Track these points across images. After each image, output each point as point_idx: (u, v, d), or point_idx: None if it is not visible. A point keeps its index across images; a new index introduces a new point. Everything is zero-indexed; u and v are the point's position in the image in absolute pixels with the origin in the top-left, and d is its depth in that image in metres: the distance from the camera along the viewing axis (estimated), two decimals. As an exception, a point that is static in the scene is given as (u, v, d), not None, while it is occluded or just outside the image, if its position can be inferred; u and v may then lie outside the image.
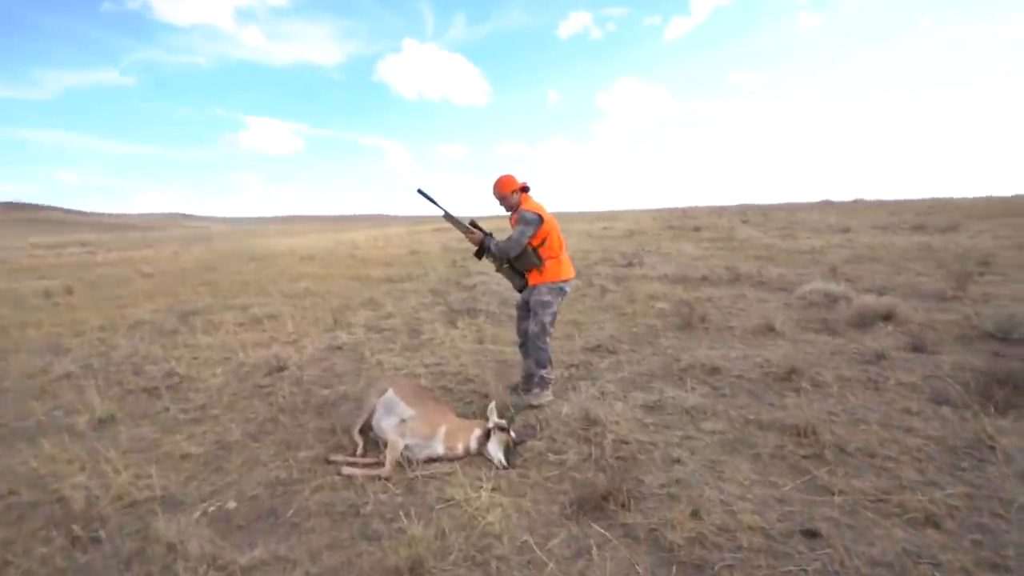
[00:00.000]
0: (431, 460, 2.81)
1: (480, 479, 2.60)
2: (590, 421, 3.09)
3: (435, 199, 3.76)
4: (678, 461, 2.70)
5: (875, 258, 9.05)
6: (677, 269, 9.09)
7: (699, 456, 2.74)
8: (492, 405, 3.01)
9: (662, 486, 2.46)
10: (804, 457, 2.68)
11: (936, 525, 2.09)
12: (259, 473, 2.80)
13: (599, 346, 4.94)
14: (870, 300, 5.18)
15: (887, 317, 4.95)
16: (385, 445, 2.91)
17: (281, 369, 4.57)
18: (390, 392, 3.14)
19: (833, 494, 2.34)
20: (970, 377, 3.49)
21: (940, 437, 2.78)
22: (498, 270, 3.75)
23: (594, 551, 2.06)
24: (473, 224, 3.76)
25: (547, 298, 3.48)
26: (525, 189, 3.61)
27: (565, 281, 3.54)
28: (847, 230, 14.09)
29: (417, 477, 2.64)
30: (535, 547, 2.08)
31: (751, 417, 3.19)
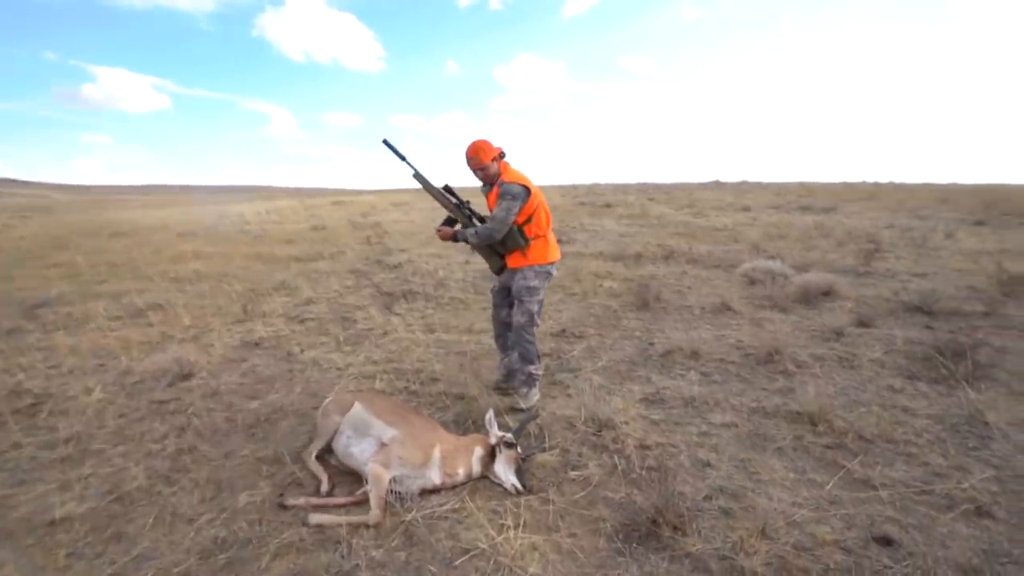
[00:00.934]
0: (425, 492, 2.24)
1: (498, 513, 2.10)
2: (599, 424, 2.71)
3: (403, 154, 3.09)
4: (708, 465, 2.43)
5: (782, 236, 9.76)
6: (610, 246, 9.03)
7: (725, 456, 2.50)
8: (490, 414, 2.50)
9: (707, 498, 2.16)
10: (827, 447, 2.55)
11: (991, 516, 2.02)
12: (185, 537, 2.03)
13: (564, 331, 4.60)
14: (811, 277, 5.42)
15: (827, 293, 5.20)
16: (359, 477, 2.29)
17: (186, 377, 3.59)
18: (358, 407, 2.49)
19: (876, 488, 2.21)
20: (922, 351, 3.68)
21: (938, 415, 2.82)
22: (474, 249, 3.18)
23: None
24: (447, 190, 3.15)
25: (534, 283, 2.99)
26: (502, 155, 3.04)
27: (552, 263, 3.06)
28: (747, 209, 15.22)
29: (416, 520, 2.07)
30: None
31: (754, 405, 3.03)
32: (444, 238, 3.03)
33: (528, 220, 2.96)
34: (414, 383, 3.47)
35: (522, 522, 2.04)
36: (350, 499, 2.19)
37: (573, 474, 2.35)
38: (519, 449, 2.36)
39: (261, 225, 14.79)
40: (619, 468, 2.39)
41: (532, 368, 3.06)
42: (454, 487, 2.28)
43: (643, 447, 2.54)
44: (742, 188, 27.03)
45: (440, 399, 3.23)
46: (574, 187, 37.30)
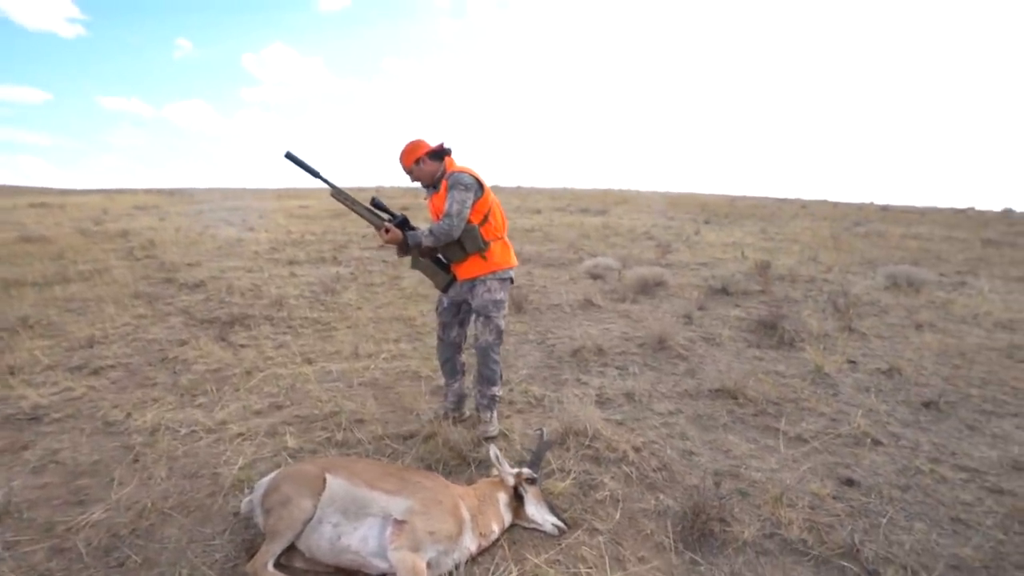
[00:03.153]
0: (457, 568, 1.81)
1: (563, 562, 1.83)
2: (587, 436, 2.62)
3: (312, 167, 2.49)
4: (692, 453, 2.60)
5: (585, 235, 11.17)
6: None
7: (697, 442, 2.71)
8: (494, 451, 2.15)
9: (717, 484, 2.30)
10: (755, 415, 3.02)
11: (881, 443, 2.69)
12: None
13: (462, 342, 4.33)
14: (643, 271, 6.32)
15: (659, 284, 6.16)
16: (347, 572, 1.72)
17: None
18: (336, 481, 1.86)
19: (808, 441, 2.72)
20: (748, 324, 4.70)
21: (798, 374, 3.62)
22: (414, 265, 2.71)
23: (762, 591, 1.74)
24: (376, 206, 2.60)
25: (499, 295, 2.69)
26: (443, 153, 2.65)
27: (512, 268, 2.80)
28: (539, 211, 16.94)
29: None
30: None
31: (679, 390, 3.38)
32: (392, 242, 2.49)
33: (484, 220, 2.63)
34: (336, 431, 2.77)
35: (598, 562, 1.83)
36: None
37: (599, 496, 2.22)
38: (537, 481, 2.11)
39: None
40: (632, 477, 2.36)
41: (496, 390, 2.78)
42: (484, 551, 1.90)
43: (636, 450, 2.57)
44: (519, 192, 29.96)
45: (383, 445, 2.66)
46: (361, 188, 35.69)
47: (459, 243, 2.58)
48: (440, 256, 2.71)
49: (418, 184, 2.71)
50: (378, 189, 32.32)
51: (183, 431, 2.78)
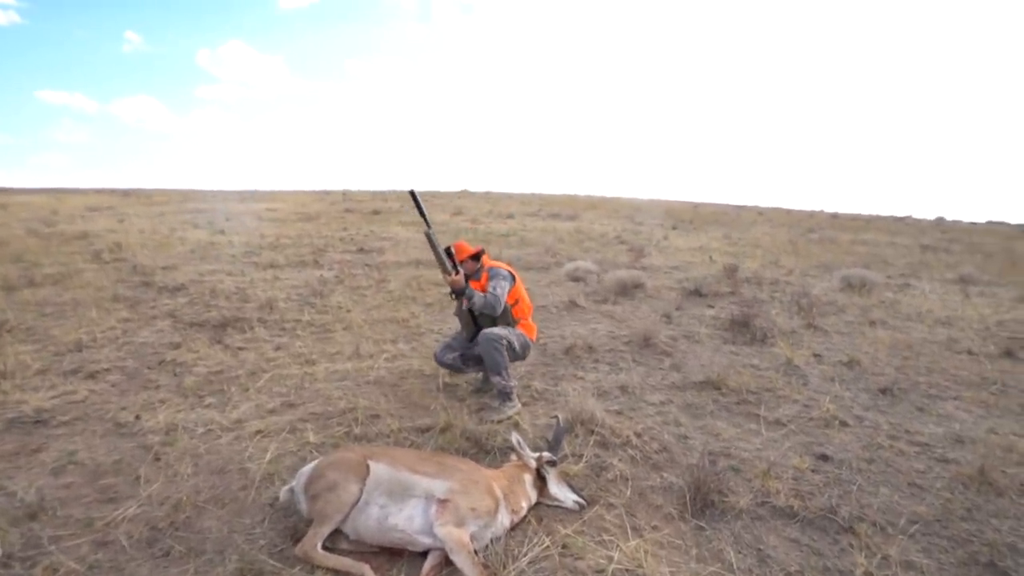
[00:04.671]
0: (493, 541, 1.99)
1: (586, 532, 2.05)
2: (593, 424, 2.85)
3: (426, 213, 3.16)
4: (686, 437, 2.87)
5: (559, 239, 11.49)
6: (424, 254, 9.00)
7: (690, 428, 2.99)
8: (516, 437, 2.35)
9: (713, 462, 2.57)
10: (737, 404, 3.33)
11: (848, 424, 3.04)
12: None
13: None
14: (621, 274, 6.65)
15: (637, 286, 6.49)
16: (396, 554, 1.89)
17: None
18: (380, 467, 2.01)
19: (785, 424, 3.04)
20: (722, 323, 5.07)
21: (771, 366, 3.97)
22: (457, 312, 3.26)
23: (772, 539, 2.01)
24: (448, 253, 3.14)
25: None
26: (480, 255, 3.28)
27: (534, 341, 3.36)
28: (511, 216, 17.19)
29: (524, 571, 1.83)
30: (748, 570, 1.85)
31: (666, 383, 3.66)
32: (453, 285, 3.07)
33: (515, 303, 3.22)
34: (354, 426, 2.90)
35: (618, 531, 2.05)
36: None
37: (608, 476, 2.45)
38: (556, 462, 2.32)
39: None
40: (637, 458, 2.60)
41: (502, 380, 3.01)
42: (515, 526, 2.09)
43: (637, 435, 2.81)
44: (490, 197, 30.19)
45: (401, 438, 2.81)
46: (327, 192, 35.03)
47: (491, 317, 3.11)
48: (476, 316, 3.17)
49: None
50: (345, 193, 31.90)
51: (200, 430, 2.84)
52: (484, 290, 3.11)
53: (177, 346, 4.16)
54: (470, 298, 3.03)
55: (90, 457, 2.56)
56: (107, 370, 3.65)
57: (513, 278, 3.20)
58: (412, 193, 3.06)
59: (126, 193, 27.62)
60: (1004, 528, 2.14)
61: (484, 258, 3.30)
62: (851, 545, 2.03)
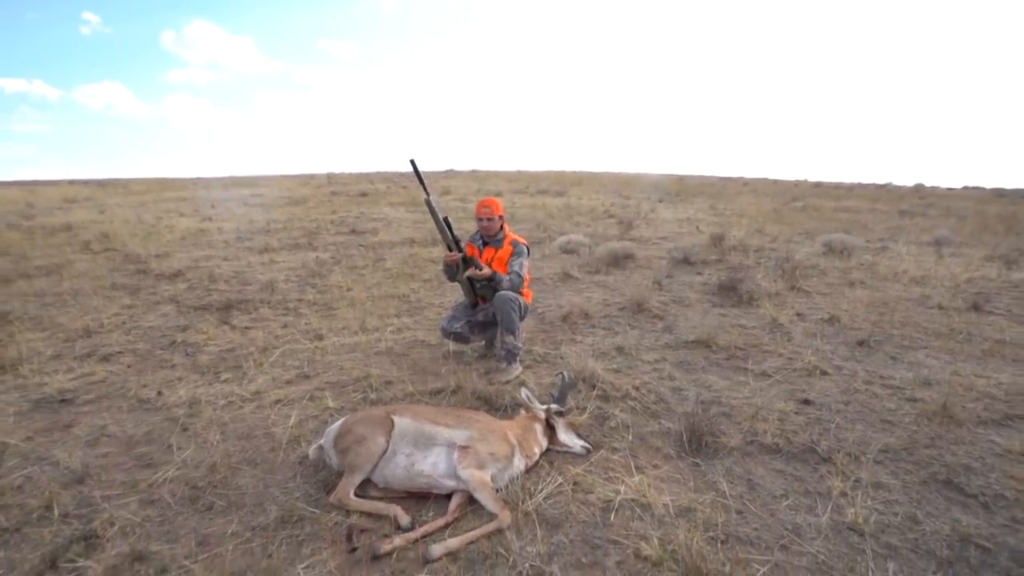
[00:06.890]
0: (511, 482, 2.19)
1: (593, 471, 2.26)
2: (594, 380, 3.06)
3: (425, 181, 3.20)
4: (680, 389, 3.09)
5: (550, 215, 11.62)
6: (417, 232, 9.08)
7: (683, 381, 3.21)
8: (525, 391, 2.55)
9: (705, 409, 2.80)
10: (727, 359, 3.56)
11: (827, 373, 3.29)
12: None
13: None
14: (613, 245, 6.83)
15: (628, 256, 6.68)
16: (421, 497, 2.09)
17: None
18: (405, 420, 2.19)
19: (771, 376, 3.28)
20: (711, 288, 5.30)
21: (757, 325, 4.21)
22: (458, 278, 3.33)
23: (759, 471, 2.24)
24: (447, 224, 3.20)
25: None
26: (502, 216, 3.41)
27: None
28: (500, 194, 17.20)
29: (541, 504, 2.04)
30: (756, 501, 2.08)
31: (661, 343, 3.88)
32: (451, 262, 3.19)
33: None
34: (369, 392, 3.07)
35: (623, 470, 2.27)
36: (451, 516, 1.97)
37: (612, 424, 2.66)
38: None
39: None
40: (636, 409, 2.82)
41: (513, 340, 3.23)
42: (529, 470, 2.30)
43: (635, 388, 3.03)
44: (477, 176, 30.00)
45: (415, 401, 2.98)
46: (311, 176, 34.51)
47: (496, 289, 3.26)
48: (476, 285, 3.31)
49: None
50: (329, 176, 31.46)
51: (221, 402, 2.98)
52: (505, 263, 3.27)
53: (185, 328, 4.26)
54: (499, 283, 3.20)
55: (121, 430, 2.71)
56: (120, 352, 3.76)
57: (529, 251, 3.38)
58: (412, 162, 3.14)
59: (102, 184, 26.97)
60: (960, 452, 2.40)
61: (505, 226, 3.41)
62: (829, 472, 2.27)
